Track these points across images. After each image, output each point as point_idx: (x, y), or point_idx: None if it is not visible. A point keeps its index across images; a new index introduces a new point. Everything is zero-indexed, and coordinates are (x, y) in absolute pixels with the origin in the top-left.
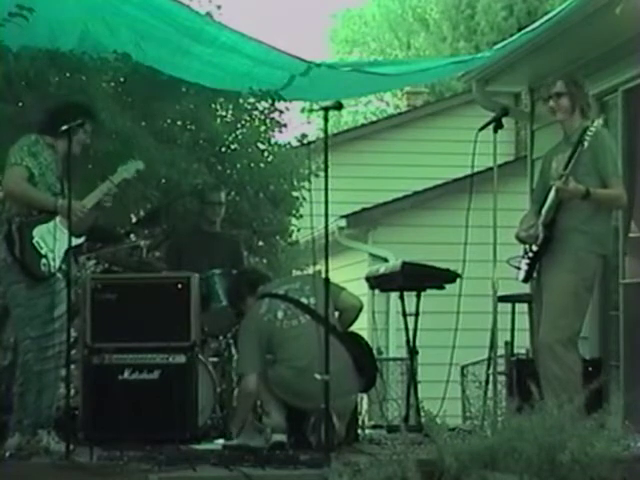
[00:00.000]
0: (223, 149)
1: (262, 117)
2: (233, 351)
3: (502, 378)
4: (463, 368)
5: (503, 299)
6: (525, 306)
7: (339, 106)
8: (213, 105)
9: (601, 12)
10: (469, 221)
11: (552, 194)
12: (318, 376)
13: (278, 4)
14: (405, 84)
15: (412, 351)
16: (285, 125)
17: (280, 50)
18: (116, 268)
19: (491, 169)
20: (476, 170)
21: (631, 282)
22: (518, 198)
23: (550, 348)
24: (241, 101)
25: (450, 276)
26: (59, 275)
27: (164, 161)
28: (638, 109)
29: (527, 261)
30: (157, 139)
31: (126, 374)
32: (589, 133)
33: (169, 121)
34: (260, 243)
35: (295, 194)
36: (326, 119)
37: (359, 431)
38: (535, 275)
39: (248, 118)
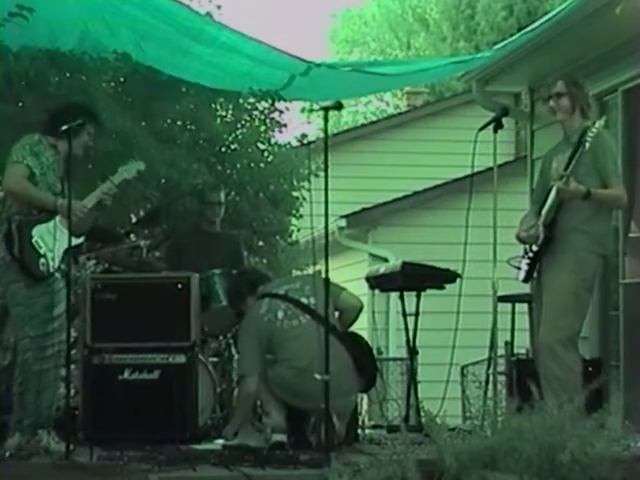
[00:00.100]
0: (223, 149)
1: (262, 117)
2: (233, 351)
3: (502, 378)
4: (463, 368)
5: (503, 299)
6: (525, 306)
7: (339, 106)
8: (213, 105)
9: (601, 12)
10: (469, 221)
11: (553, 194)
12: (318, 376)
13: (278, 4)
14: (405, 84)
15: (412, 351)
16: (285, 125)
17: (280, 50)
18: (116, 268)
19: (491, 169)
20: (476, 170)
21: (631, 282)
22: (518, 198)
23: (550, 348)
24: (241, 101)
25: (450, 276)
26: (58, 275)
27: (164, 161)
28: (638, 109)
29: (527, 261)
30: (157, 139)
31: (126, 374)
32: (590, 134)
33: (169, 121)
34: (260, 243)
35: (295, 194)
36: (326, 119)
37: (359, 431)
38: (535, 275)
39: (248, 118)
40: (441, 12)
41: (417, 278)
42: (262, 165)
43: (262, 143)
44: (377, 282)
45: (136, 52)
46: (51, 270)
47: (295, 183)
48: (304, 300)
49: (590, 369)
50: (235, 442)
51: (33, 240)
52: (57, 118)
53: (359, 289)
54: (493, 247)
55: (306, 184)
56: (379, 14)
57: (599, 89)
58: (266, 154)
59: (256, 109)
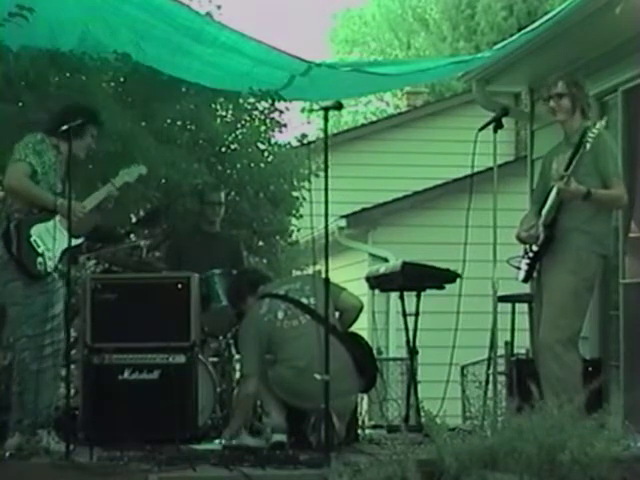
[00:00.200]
0: (223, 149)
1: (262, 117)
2: (233, 351)
3: (502, 378)
4: (463, 368)
5: (503, 299)
6: (525, 306)
7: (339, 106)
8: (213, 105)
9: (601, 12)
10: (469, 221)
11: (553, 195)
12: (318, 376)
13: (278, 4)
14: (405, 84)
15: (412, 351)
16: (285, 125)
17: (280, 50)
18: (116, 268)
19: (491, 169)
20: (476, 170)
21: (631, 282)
22: (518, 198)
23: (550, 348)
24: (241, 101)
25: (450, 276)
26: (55, 275)
27: (164, 161)
28: (638, 109)
29: (527, 261)
30: (157, 139)
31: (126, 374)
32: (591, 135)
33: (169, 121)
34: (260, 243)
35: (295, 194)
36: (326, 119)
37: (359, 431)
38: (535, 275)
39: (248, 118)
40: (441, 12)
41: (417, 278)
42: (262, 165)
43: (262, 143)
44: (377, 282)
45: (136, 52)
46: (48, 270)
47: (295, 183)
48: (304, 300)
49: (590, 369)
50: (235, 442)
51: (31, 239)
52: (61, 119)
53: (359, 289)
54: (493, 247)
55: (306, 184)
56: (379, 14)
57: (599, 89)
58: (266, 154)
59: (256, 109)
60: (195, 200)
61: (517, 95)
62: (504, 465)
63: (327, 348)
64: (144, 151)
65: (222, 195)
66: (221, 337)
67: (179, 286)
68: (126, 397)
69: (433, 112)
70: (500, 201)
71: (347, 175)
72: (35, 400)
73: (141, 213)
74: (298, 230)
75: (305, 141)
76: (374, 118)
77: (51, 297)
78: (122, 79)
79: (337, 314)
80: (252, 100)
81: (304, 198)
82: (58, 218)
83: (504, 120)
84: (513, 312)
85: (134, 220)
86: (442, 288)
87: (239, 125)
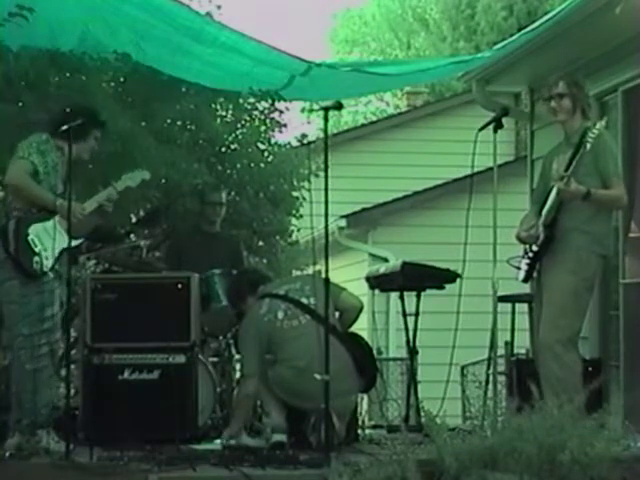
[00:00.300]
0: (223, 149)
1: (262, 117)
2: (233, 351)
3: (502, 378)
4: (463, 368)
5: (503, 299)
6: (525, 306)
7: (339, 106)
8: (213, 105)
9: (601, 12)
10: (469, 221)
11: (553, 195)
12: (318, 376)
13: (278, 4)
14: (405, 84)
15: (412, 351)
16: (285, 125)
17: (280, 50)
18: (116, 268)
19: (491, 169)
20: (476, 170)
21: (631, 282)
22: (518, 198)
23: (550, 348)
24: (241, 101)
25: (450, 276)
26: (51, 275)
27: (164, 161)
28: (638, 109)
29: (527, 261)
30: (157, 139)
31: (126, 374)
32: (591, 135)
33: (169, 121)
34: (260, 243)
35: (295, 194)
36: (326, 119)
37: (359, 431)
38: (535, 275)
39: (248, 118)
40: (441, 12)
41: (417, 278)
42: (262, 165)
43: (262, 143)
44: (377, 282)
45: (136, 52)
46: (44, 269)
47: (295, 183)
48: (304, 300)
49: (590, 369)
50: (235, 442)
51: (29, 238)
52: (65, 121)
53: (359, 289)
54: (493, 247)
55: (306, 184)
56: (379, 14)
57: (599, 89)
58: (266, 154)
59: (256, 109)
60: (196, 200)
61: (517, 95)
62: (504, 465)
63: (327, 348)
64: (144, 151)
65: (223, 195)
66: (221, 337)
67: (179, 286)
68: (126, 397)
69: (433, 112)
70: (500, 201)
71: (347, 175)
72: (32, 400)
73: (141, 213)
74: (298, 230)
75: (305, 141)
76: (374, 118)
77: (47, 297)
78: (122, 79)
79: (337, 314)
80: (252, 100)
81: (304, 198)
82: (57, 219)
83: (504, 120)
84: (513, 312)
85: (134, 220)
86: (442, 288)
87: (239, 125)
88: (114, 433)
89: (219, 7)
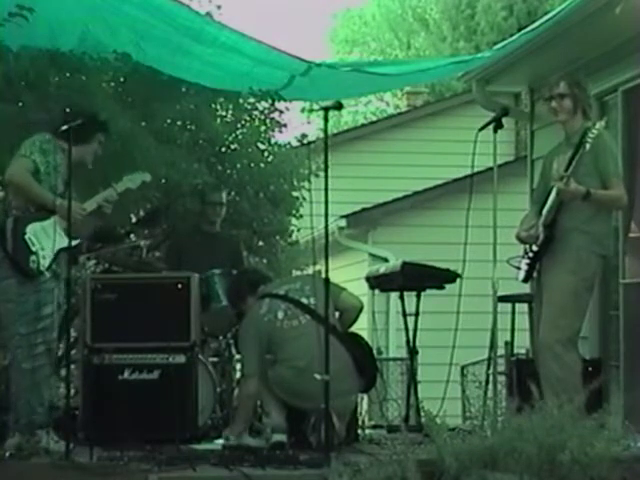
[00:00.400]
0: (223, 149)
1: (262, 117)
2: (233, 351)
3: (502, 378)
4: (463, 368)
5: (503, 299)
6: (525, 306)
7: (339, 106)
8: (213, 105)
9: (601, 12)
10: (469, 221)
11: (553, 195)
12: (318, 376)
13: (278, 4)
14: (405, 84)
15: (412, 351)
16: (285, 125)
17: (280, 50)
18: (116, 268)
19: (491, 169)
20: (476, 170)
21: (631, 282)
22: (518, 198)
23: (550, 348)
24: (241, 101)
25: (450, 276)
26: (48, 274)
27: (164, 161)
28: (638, 109)
29: (527, 261)
30: (157, 139)
31: (126, 374)
32: (591, 135)
33: (169, 121)
34: (260, 243)
35: (295, 194)
36: (326, 119)
37: (359, 431)
38: (535, 275)
39: (248, 118)
40: (441, 12)
41: (417, 278)
42: (262, 165)
43: (262, 143)
44: (377, 282)
45: (136, 52)
46: (41, 268)
47: (295, 183)
48: (304, 300)
49: (590, 369)
50: (235, 442)
51: (26, 237)
52: (66, 121)
53: (359, 289)
54: (493, 247)
55: (306, 184)
56: (379, 14)
57: (599, 89)
58: (266, 154)
59: (256, 109)
60: (196, 200)
61: (517, 95)
62: (504, 465)
63: (327, 348)
64: (144, 151)
65: (224, 195)
66: (221, 337)
67: (179, 286)
68: (126, 397)
69: (433, 112)
70: (500, 201)
71: (347, 175)
72: (30, 399)
73: (141, 213)
74: (298, 230)
75: (305, 141)
76: (374, 118)
77: (44, 296)
78: (122, 79)
79: (337, 314)
80: (252, 100)
81: (304, 198)
82: (56, 218)
83: (504, 120)
84: (513, 312)
85: (134, 220)
86: (442, 288)
87: (239, 125)
88: (114, 433)
89: (219, 7)
